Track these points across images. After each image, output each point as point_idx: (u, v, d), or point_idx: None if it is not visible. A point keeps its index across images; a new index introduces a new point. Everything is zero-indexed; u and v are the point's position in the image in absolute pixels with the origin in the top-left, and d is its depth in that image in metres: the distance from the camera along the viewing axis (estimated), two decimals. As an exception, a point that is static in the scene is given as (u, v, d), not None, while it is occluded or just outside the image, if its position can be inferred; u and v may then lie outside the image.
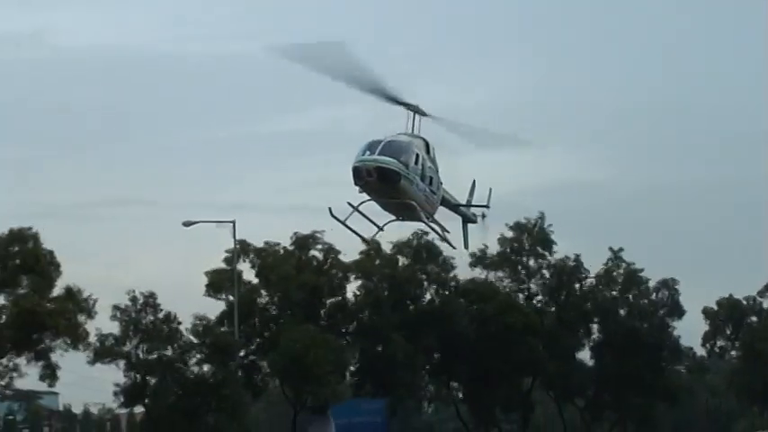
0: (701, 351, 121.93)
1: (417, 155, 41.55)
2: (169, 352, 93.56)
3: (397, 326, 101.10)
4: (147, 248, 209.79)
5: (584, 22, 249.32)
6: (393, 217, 44.01)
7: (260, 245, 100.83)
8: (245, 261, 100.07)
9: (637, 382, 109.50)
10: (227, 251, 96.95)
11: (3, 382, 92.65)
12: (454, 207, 48.62)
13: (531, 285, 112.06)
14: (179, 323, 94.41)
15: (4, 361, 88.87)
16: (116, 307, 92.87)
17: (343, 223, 43.82)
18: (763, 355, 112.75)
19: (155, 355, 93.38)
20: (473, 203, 50.31)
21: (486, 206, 50.83)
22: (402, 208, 42.62)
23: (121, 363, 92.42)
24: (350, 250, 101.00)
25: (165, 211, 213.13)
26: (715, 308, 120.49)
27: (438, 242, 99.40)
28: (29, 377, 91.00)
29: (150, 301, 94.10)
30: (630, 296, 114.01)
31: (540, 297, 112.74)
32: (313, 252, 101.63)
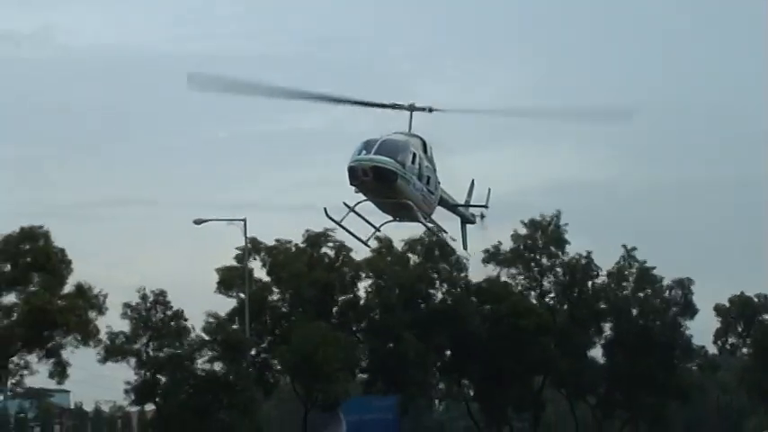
0: (711, 348, 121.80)
1: (414, 154, 41.03)
2: (179, 350, 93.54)
3: (408, 324, 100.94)
4: (153, 247, 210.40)
5: (585, 21, 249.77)
6: (390, 217, 43.43)
7: (268, 243, 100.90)
8: (255, 259, 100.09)
9: (649, 381, 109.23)
10: (237, 248, 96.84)
11: (14, 380, 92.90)
12: (452, 207, 48.20)
13: (544, 283, 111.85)
14: (185, 319, 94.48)
15: (15, 359, 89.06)
16: (126, 305, 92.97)
17: (339, 224, 43.51)
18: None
19: (165, 353, 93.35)
20: (472, 203, 49.93)
21: (485, 206, 50.55)
22: (399, 208, 41.99)
23: (132, 360, 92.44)
24: (361, 248, 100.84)
25: (168, 211, 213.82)
26: (727, 305, 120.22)
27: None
28: (40, 375, 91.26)
29: (160, 299, 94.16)
30: (643, 295, 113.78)
31: (552, 295, 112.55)
32: (324, 249, 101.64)
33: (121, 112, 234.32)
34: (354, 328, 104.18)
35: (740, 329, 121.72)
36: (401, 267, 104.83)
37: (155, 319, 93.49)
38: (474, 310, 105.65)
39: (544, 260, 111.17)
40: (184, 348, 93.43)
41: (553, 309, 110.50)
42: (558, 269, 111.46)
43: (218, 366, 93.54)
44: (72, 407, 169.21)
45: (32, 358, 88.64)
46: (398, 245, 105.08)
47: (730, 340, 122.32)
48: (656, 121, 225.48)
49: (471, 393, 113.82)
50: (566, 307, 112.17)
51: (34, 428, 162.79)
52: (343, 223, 43.36)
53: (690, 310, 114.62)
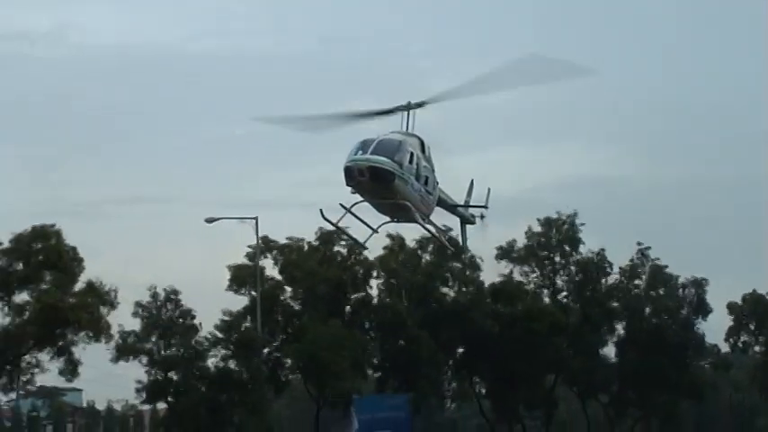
0: (723, 346, 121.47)
1: (412, 153, 40.19)
2: (188, 348, 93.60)
3: (420, 322, 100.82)
4: (165, 246, 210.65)
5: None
6: (387, 218, 42.74)
7: (280, 241, 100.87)
8: (266, 257, 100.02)
9: (661, 380, 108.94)
10: (249, 247, 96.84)
11: (24, 378, 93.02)
12: (451, 207, 47.38)
13: (557, 281, 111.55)
14: (193, 317, 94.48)
15: (27, 357, 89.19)
16: (138, 303, 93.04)
17: (335, 225, 43.13)
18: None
19: (176, 351, 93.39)
20: (471, 204, 49.12)
21: (485, 206, 49.67)
22: (396, 209, 41.19)
23: (144, 359, 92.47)
24: (374, 246, 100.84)
25: (181, 209, 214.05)
26: (740, 303, 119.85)
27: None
28: (53, 374, 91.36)
29: (171, 297, 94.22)
30: (655, 293, 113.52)
31: (565, 293, 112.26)
32: (337, 248, 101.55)
33: (134, 110, 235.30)
34: (367, 326, 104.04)
35: (752, 327, 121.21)
36: (413, 265, 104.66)
37: (164, 317, 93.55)
38: (487, 311, 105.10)
39: (557, 258, 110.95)
40: (194, 347, 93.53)
41: (566, 307, 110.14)
42: (572, 267, 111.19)
43: (230, 365, 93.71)
44: (84, 405, 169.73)
45: (44, 356, 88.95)
46: (411, 243, 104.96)
47: (742, 338, 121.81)
48: (665, 118, 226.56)
49: (483, 392, 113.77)
50: (578, 306, 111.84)
51: (47, 427, 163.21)
52: (343, 224, 42.89)
53: (703, 310, 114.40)
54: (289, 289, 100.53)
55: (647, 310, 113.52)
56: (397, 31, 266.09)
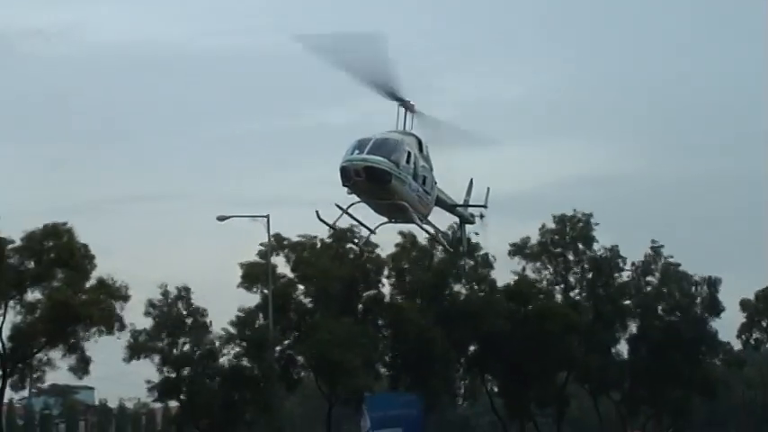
0: (736, 343, 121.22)
1: (409, 153, 39.65)
2: (198, 346, 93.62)
3: (432, 320, 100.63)
4: (177, 244, 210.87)
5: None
6: (385, 219, 42.43)
7: (292, 239, 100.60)
8: (278, 255, 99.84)
9: (675, 377, 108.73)
10: (261, 245, 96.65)
11: (35, 375, 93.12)
12: (450, 207, 47.05)
13: (569, 278, 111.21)
14: (202, 315, 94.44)
15: (39, 355, 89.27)
16: (150, 302, 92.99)
17: (331, 227, 42.96)
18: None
19: (188, 350, 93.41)
20: (471, 203, 48.79)
21: (485, 206, 49.38)
22: (393, 209, 40.75)
23: (156, 357, 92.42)
24: (386, 243, 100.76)
25: (193, 207, 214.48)
26: (752, 300, 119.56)
27: (474, 238, 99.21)
28: (65, 373, 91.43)
29: (183, 295, 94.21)
30: (666, 290, 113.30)
31: (577, 290, 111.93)
32: (349, 245, 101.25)
33: (147, 108, 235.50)
34: (380, 323, 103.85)
35: (765, 325, 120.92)
36: (425, 263, 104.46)
37: (175, 314, 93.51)
38: (501, 310, 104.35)
39: (570, 256, 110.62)
40: (204, 344, 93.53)
41: (578, 305, 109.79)
42: (586, 265, 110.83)
43: (243, 362, 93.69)
44: (96, 404, 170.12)
45: (56, 354, 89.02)
46: (423, 240, 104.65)
47: (755, 335, 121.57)
48: (676, 116, 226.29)
49: (495, 389, 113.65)
50: (590, 303, 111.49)
51: (59, 425, 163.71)
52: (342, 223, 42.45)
53: (716, 309, 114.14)
54: (301, 287, 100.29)
55: (660, 307, 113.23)
56: (403, 28, 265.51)
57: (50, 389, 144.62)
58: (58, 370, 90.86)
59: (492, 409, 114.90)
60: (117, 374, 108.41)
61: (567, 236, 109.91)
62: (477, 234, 52.06)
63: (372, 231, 43.18)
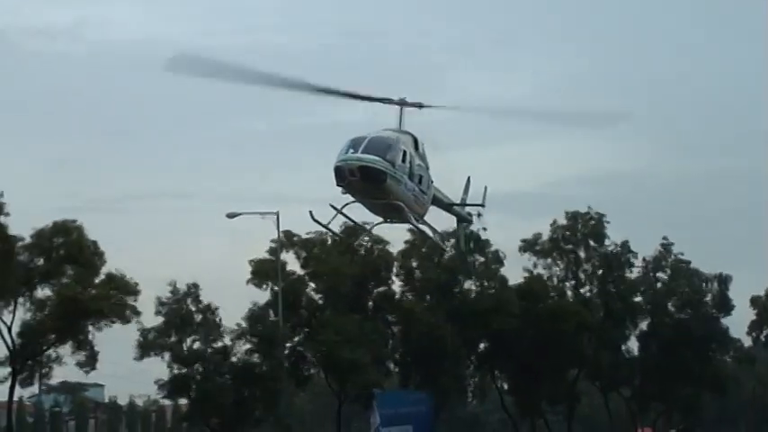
0: (746, 340, 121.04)
1: (404, 152, 39.17)
2: (208, 343, 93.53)
3: (442, 317, 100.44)
4: (187, 241, 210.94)
5: (617, 15, 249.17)
6: (380, 219, 42.29)
7: (303, 235, 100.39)
8: (287, 251, 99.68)
9: (685, 374, 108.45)
10: (272, 241, 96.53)
11: (43, 371, 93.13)
12: (447, 207, 46.71)
13: (580, 275, 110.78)
14: (212, 312, 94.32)
15: (49, 352, 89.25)
16: (159, 300, 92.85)
17: (326, 227, 42.89)
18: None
19: (198, 347, 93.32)
20: (468, 202, 48.58)
21: (482, 205, 49.23)
22: (389, 209, 40.29)
23: (167, 355, 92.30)
24: (396, 240, 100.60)
25: (203, 204, 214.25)
26: (763, 296, 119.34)
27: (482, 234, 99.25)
28: (75, 370, 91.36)
29: (192, 291, 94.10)
30: (677, 287, 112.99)
31: (587, 287, 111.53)
32: (360, 242, 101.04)
33: (155, 106, 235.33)
34: (390, 320, 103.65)
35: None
36: (435, 259, 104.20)
37: (184, 311, 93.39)
38: (512, 308, 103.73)
39: (581, 253, 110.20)
40: (215, 341, 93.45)
41: (589, 302, 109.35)
42: (596, 262, 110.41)
43: (253, 359, 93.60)
44: (106, 401, 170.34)
45: (65, 350, 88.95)
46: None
47: (765, 332, 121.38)
48: (680, 113, 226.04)
49: (505, 387, 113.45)
50: (600, 301, 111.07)
51: (69, 422, 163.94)
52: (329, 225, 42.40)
53: (726, 306, 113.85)
54: (311, 284, 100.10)
55: (670, 304, 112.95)
56: (413, 26, 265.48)
57: (60, 386, 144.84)
58: (67, 366, 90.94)
59: (502, 407, 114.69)
60: (127, 372, 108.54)
61: (579, 232, 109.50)
62: (485, 229, 51.78)
63: (369, 231, 42.93)
